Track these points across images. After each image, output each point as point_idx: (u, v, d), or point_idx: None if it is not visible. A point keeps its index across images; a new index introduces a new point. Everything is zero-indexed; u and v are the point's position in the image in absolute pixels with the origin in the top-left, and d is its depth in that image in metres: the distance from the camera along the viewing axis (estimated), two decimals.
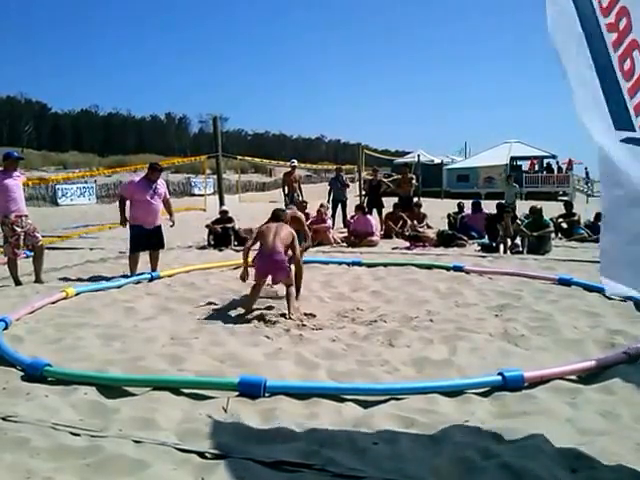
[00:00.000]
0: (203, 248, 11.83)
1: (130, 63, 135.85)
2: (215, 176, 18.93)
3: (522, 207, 15.37)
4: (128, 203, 8.46)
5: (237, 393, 3.75)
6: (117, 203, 8.80)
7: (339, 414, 3.51)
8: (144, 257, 8.60)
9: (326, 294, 7.13)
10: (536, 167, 42.25)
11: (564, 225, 13.63)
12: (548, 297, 6.77)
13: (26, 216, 7.95)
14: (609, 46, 3.02)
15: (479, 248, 11.64)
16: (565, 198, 30.44)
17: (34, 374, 4.08)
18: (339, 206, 15.64)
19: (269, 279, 6.37)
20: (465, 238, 12.45)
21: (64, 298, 6.74)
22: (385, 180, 16.23)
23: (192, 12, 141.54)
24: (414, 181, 16.63)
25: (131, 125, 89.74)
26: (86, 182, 30.90)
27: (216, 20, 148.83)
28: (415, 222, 13.81)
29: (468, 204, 14.63)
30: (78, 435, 3.18)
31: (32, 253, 8.30)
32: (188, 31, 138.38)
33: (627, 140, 2.97)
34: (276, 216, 6.79)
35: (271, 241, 6.23)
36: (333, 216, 15.08)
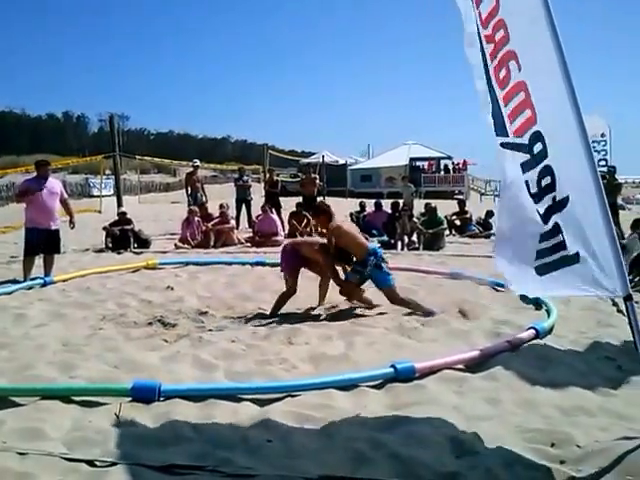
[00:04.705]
0: (100, 251, 11.43)
1: (26, 59, 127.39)
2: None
3: (420, 206, 15.93)
4: (23, 205, 8.16)
5: (130, 398, 3.66)
6: (10, 205, 8.40)
7: (235, 414, 3.50)
8: (37, 261, 8.22)
9: (229, 295, 7.09)
10: (434, 168, 43.80)
11: (457, 222, 14.34)
12: (441, 290, 7.08)
13: None
14: (487, 56, 3.26)
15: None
16: (460, 197, 31.82)
17: None
18: (243, 206, 15.56)
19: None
20: (366, 236, 12.73)
21: None
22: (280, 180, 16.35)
23: (94, 7, 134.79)
24: (318, 181, 16.87)
25: (25, 124, 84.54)
26: None
27: (119, 16, 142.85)
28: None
29: (371, 203, 15.01)
30: None
31: None
32: (90, 26, 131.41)
33: (503, 145, 3.23)
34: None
35: None
36: (238, 216, 15.00)
